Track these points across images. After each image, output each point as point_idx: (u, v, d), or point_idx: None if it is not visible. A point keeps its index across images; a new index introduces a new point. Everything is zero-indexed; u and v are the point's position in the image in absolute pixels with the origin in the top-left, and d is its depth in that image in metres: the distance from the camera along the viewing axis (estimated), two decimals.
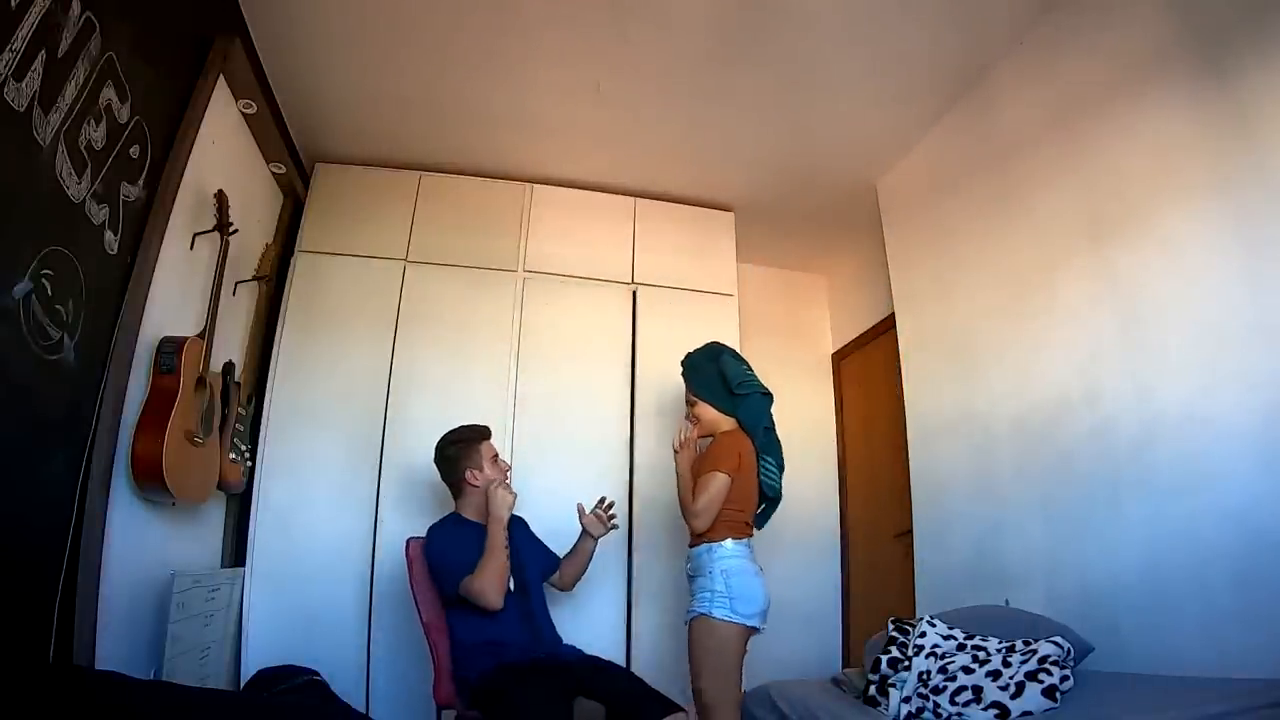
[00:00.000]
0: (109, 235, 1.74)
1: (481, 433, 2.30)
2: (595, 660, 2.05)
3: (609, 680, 1.91)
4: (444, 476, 2.31)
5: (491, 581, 1.95)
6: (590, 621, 2.73)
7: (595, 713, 1.81)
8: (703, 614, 2.03)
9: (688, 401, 2.43)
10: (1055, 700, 1.55)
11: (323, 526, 2.72)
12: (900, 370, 3.10)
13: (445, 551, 2.07)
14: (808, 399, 4.02)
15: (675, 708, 1.75)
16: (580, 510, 2.40)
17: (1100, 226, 2.11)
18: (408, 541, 2.30)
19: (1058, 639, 1.70)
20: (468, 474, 2.22)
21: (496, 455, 2.30)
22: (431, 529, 2.17)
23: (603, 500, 2.42)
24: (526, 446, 2.91)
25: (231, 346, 2.63)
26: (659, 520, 2.94)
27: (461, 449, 2.25)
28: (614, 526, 2.42)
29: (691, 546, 2.18)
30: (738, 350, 2.53)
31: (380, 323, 2.99)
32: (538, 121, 2.99)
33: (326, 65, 2.67)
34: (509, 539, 2.07)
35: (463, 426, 2.33)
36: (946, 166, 2.90)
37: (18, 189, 1.40)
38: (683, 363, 2.49)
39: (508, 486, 2.15)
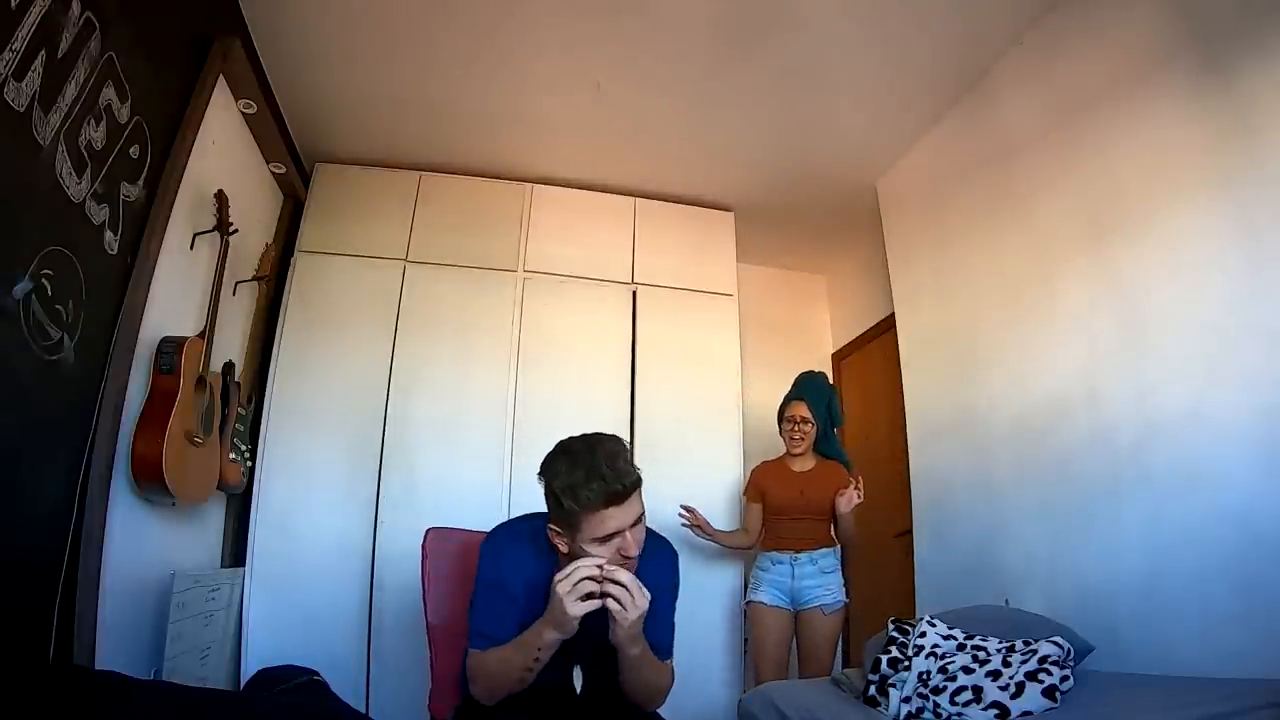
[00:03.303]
0: (109, 235, 1.74)
1: (609, 495, 1.28)
2: (598, 691, 1.54)
3: (606, 714, 1.51)
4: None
5: (490, 690, 1.37)
6: None
7: None
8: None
9: (805, 420, 2.67)
10: (1055, 700, 1.54)
11: (323, 526, 2.72)
12: (900, 370, 3.10)
13: (477, 595, 1.44)
14: None
15: None
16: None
17: (1100, 226, 2.11)
18: (427, 532, 1.95)
19: (1058, 639, 1.70)
20: (550, 533, 1.41)
21: (615, 534, 1.31)
22: (495, 533, 1.56)
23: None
24: (526, 446, 2.91)
25: (231, 346, 2.63)
26: (660, 521, 2.94)
27: (569, 509, 1.31)
28: None
29: (824, 548, 2.60)
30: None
31: (380, 323, 2.99)
32: (538, 121, 2.99)
33: (326, 65, 2.67)
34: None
35: (593, 470, 1.29)
36: (946, 166, 2.90)
37: (18, 189, 1.40)
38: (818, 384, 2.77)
39: (595, 590, 1.23)
